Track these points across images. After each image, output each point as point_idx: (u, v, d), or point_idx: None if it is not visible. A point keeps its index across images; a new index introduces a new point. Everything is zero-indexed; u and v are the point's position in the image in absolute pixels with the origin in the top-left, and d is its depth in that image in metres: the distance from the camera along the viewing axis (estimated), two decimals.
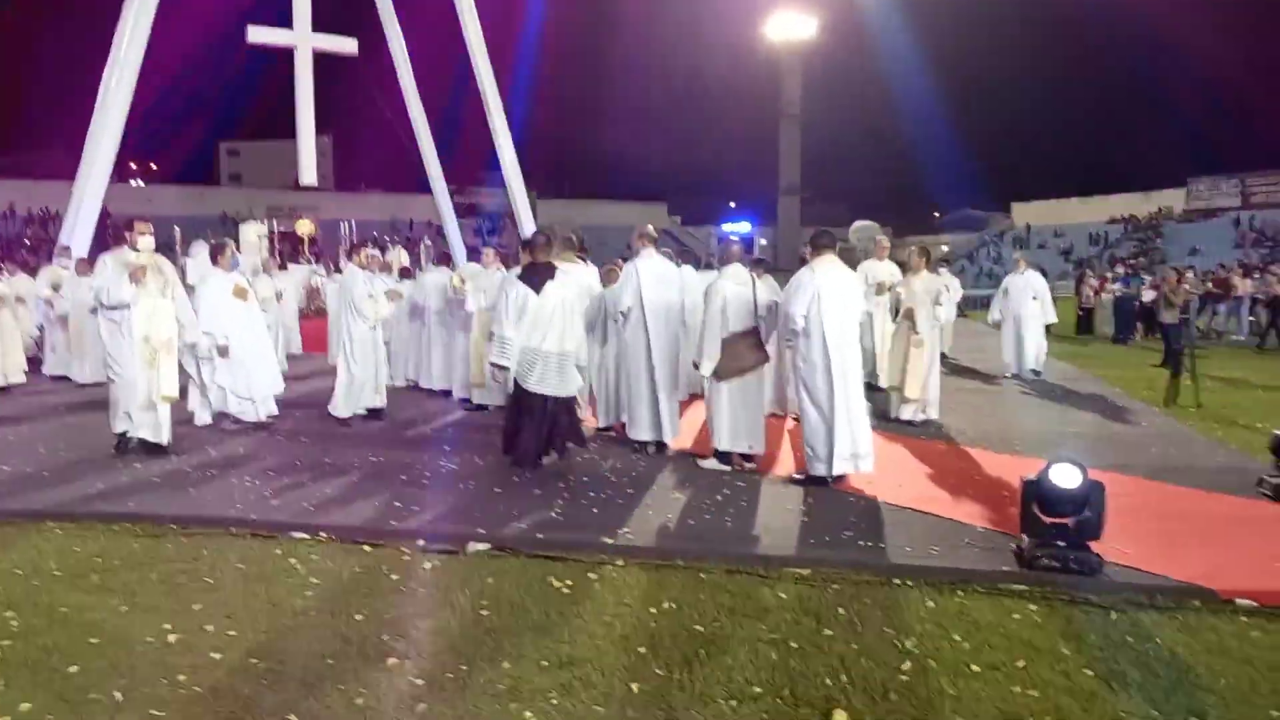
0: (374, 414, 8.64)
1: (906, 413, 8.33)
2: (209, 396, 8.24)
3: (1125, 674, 3.31)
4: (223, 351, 7.91)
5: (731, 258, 6.89)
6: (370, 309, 8.41)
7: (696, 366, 6.64)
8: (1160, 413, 8.92)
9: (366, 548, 4.85)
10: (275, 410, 8.48)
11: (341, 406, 8.45)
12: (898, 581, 4.28)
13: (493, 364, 6.77)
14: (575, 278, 8.28)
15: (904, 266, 9.60)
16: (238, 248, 11.53)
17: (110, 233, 19.62)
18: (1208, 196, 58.68)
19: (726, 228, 65.39)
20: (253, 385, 8.20)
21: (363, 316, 8.42)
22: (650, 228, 7.67)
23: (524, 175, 25.24)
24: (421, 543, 4.90)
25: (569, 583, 4.29)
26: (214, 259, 8.75)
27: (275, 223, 24.83)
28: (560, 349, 6.56)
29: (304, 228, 18.36)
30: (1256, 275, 20.28)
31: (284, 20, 22.61)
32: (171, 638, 3.67)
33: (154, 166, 59.60)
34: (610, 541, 4.84)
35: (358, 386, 8.50)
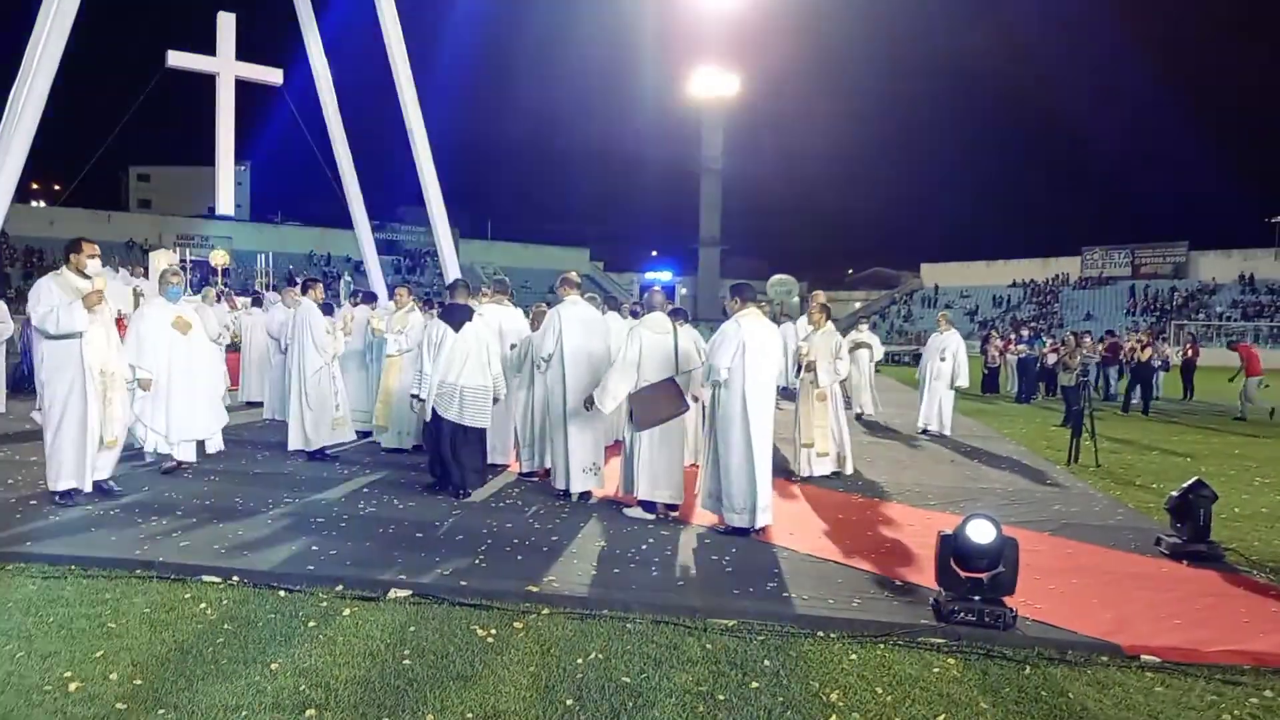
0: (319, 453, 8.62)
1: (821, 467, 8.42)
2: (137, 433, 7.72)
3: None
4: (144, 385, 7.35)
5: (654, 306, 6.95)
6: (331, 344, 8.50)
7: (588, 406, 6.66)
8: (1062, 471, 9.32)
9: (282, 592, 4.67)
10: (213, 448, 8.39)
11: (297, 440, 8.50)
12: (821, 634, 4.33)
13: (412, 395, 7.34)
14: (500, 319, 8.32)
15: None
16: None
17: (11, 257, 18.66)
18: (1101, 265, 62.12)
19: (649, 275, 66.19)
20: (173, 424, 7.62)
21: (322, 351, 8.45)
22: (574, 274, 7.71)
23: (448, 215, 25.07)
24: (340, 588, 4.75)
25: (493, 631, 4.22)
26: (303, 290, 9.08)
27: (187, 251, 24.06)
28: (475, 384, 7.11)
29: (219, 258, 17.84)
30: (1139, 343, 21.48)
31: (207, 46, 22.20)
32: (72, 686, 3.46)
33: (56, 188, 57.26)
34: (535, 590, 4.78)
35: (312, 423, 8.47)
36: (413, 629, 4.22)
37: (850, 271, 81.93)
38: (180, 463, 7.71)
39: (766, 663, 3.96)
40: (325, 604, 4.54)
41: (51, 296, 6.32)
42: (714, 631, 4.33)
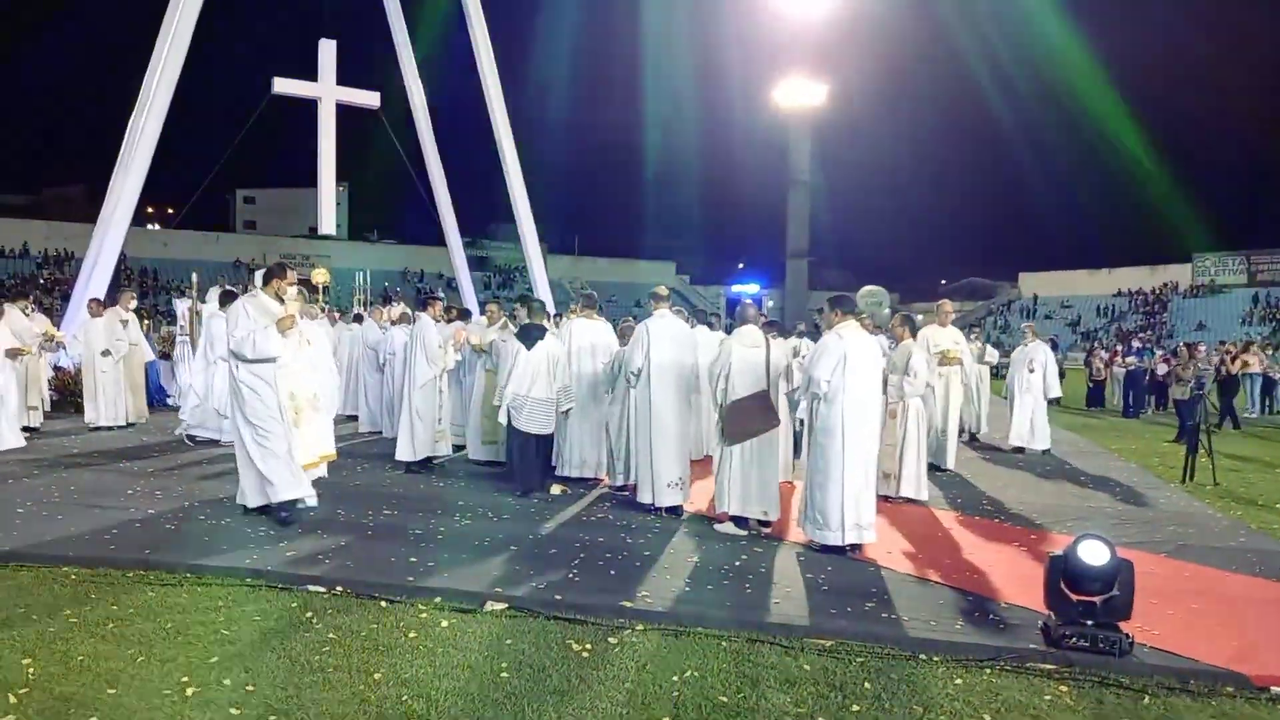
0: (425, 463, 8.91)
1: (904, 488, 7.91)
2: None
3: None
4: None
5: (746, 319, 6.90)
6: (441, 358, 8.78)
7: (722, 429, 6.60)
8: (1177, 489, 8.86)
9: (383, 603, 4.79)
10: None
11: (405, 451, 8.73)
12: (923, 656, 4.21)
13: (495, 406, 7.96)
14: (592, 335, 8.40)
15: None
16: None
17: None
18: (1213, 272, 59.05)
19: (735, 288, 65.87)
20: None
21: (434, 364, 8.71)
22: (663, 288, 7.70)
23: (538, 231, 25.48)
24: (439, 600, 4.84)
25: (588, 646, 4.23)
26: (422, 306, 9.24)
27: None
28: (543, 396, 7.69)
29: (320, 276, 18.49)
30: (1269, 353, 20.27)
31: (308, 72, 23.12)
32: (189, 690, 3.61)
33: (170, 210, 60.57)
34: (629, 605, 4.78)
35: (419, 435, 8.71)
36: (509, 642, 4.27)
37: (943, 282, 79.87)
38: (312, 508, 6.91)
39: (867, 685, 3.86)
40: (425, 615, 4.63)
41: (248, 320, 6.30)
42: (811, 652, 4.24)
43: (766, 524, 6.58)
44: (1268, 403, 19.14)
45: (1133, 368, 18.65)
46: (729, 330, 8.06)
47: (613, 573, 5.42)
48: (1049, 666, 4.09)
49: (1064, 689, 3.87)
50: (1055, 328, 52.10)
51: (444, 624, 4.51)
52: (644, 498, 7.09)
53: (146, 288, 45.75)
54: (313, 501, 6.81)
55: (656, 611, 4.73)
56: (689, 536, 6.40)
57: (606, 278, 63.29)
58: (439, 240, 27.64)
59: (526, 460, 7.78)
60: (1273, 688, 3.90)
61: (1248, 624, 4.68)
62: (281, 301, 6.57)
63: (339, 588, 5.02)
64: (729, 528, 6.56)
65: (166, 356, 15.05)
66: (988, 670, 4.05)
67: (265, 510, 6.51)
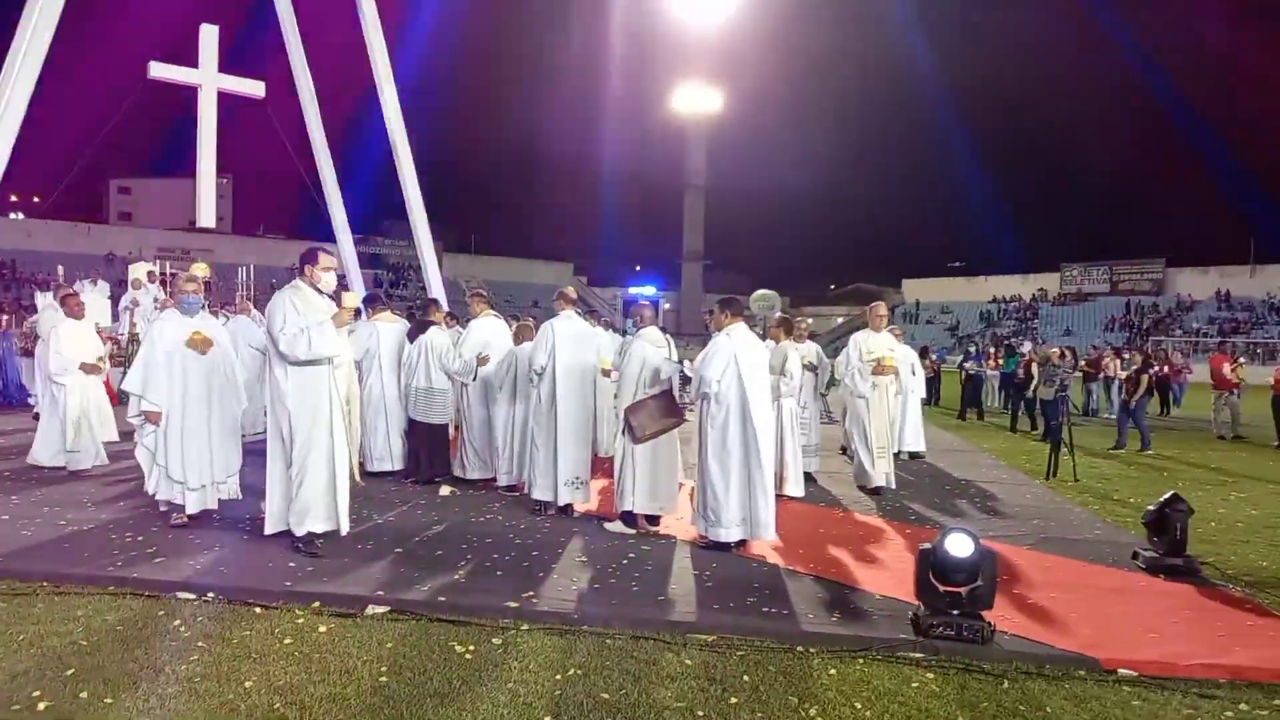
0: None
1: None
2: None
3: None
4: (152, 419, 6.24)
5: (647, 320, 7.00)
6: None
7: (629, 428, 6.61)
8: (1041, 486, 9.38)
9: (258, 609, 4.63)
10: (228, 493, 6.79)
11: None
12: (800, 648, 4.33)
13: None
14: (490, 334, 8.33)
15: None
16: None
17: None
18: (1080, 281, 62.73)
19: (632, 290, 66.31)
20: (190, 465, 6.32)
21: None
22: (571, 289, 7.72)
23: (432, 228, 25.02)
24: (317, 605, 4.71)
25: (472, 648, 4.19)
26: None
27: (167, 264, 23.88)
28: (427, 385, 8.22)
29: (199, 270, 17.65)
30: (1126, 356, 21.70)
31: (189, 58, 22.10)
32: (41, 705, 3.41)
33: (36, 199, 56.87)
34: (515, 606, 4.75)
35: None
36: (390, 646, 4.19)
37: (833, 287, 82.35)
38: (191, 517, 6.36)
39: (746, 678, 3.95)
40: (302, 621, 4.49)
41: (297, 316, 5.49)
42: (694, 647, 4.31)
43: (654, 521, 6.66)
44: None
45: (972, 372, 19.62)
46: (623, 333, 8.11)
47: (500, 574, 5.38)
48: (918, 655, 4.28)
49: (930, 676, 4.04)
50: (935, 333, 54.41)
51: (322, 629, 4.39)
52: (542, 495, 7.05)
53: (6, 280, 42.84)
54: (345, 529, 5.85)
55: (542, 611, 4.72)
56: (579, 536, 6.41)
57: (503, 277, 62.68)
58: (329, 236, 26.81)
59: (427, 451, 8.30)
60: (1120, 670, 4.17)
61: (1100, 611, 4.99)
62: (318, 291, 5.76)
63: (209, 594, 4.82)
64: (618, 526, 6.60)
65: (29, 354, 14.13)
66: (860, 660, 4.21)
67: (298, 542, 5.65)
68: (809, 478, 8.74)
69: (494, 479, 8.15)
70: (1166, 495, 5.92)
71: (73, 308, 8.83)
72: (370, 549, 5.85)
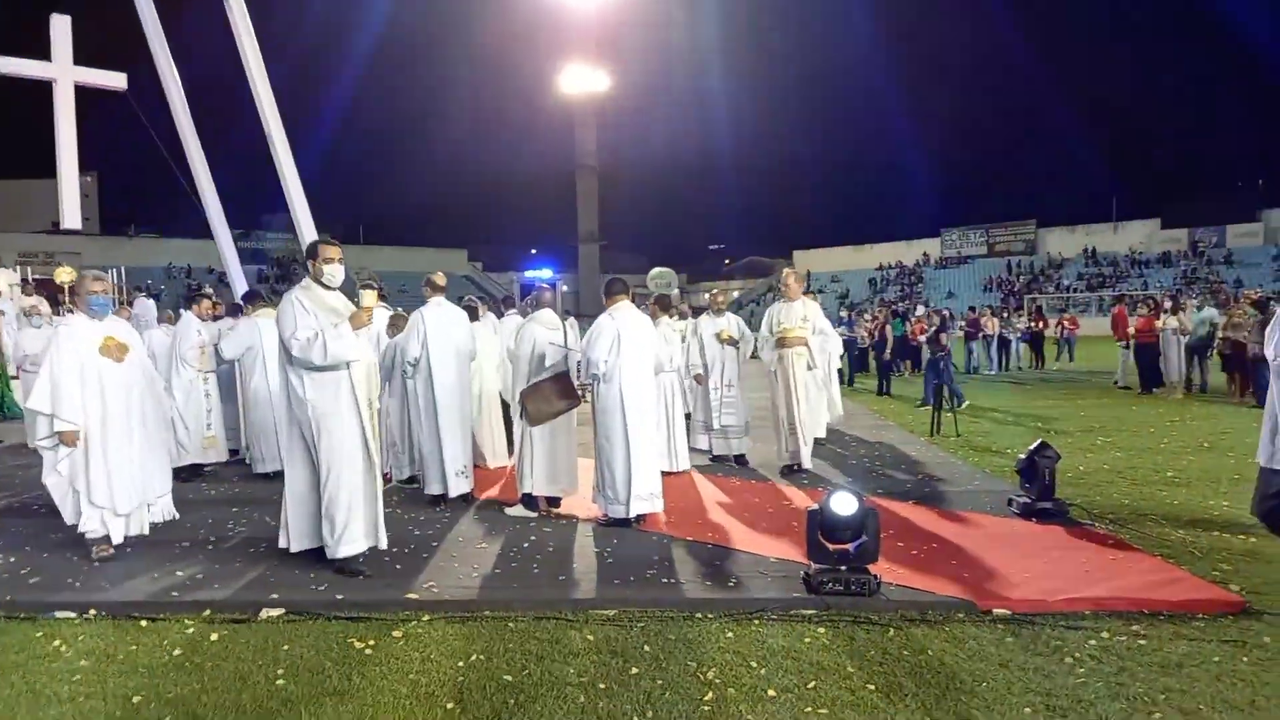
0: (194, 470, 8.36)
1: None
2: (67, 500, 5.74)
3: (902, 685, 3.62)
4: (67, 440, 5.53)
5: (543, 303, 7.01)
6: (198, 358, 8.36)
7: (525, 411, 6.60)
8: (925, 442, 9.81)
9: (144, 623, 4.47)
10: (161, 515, 6.19)
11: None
12: (699, 615, 4.45)
13: None
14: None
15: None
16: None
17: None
18: (959, 245, 65.40)
19: (528, 274, 65.79)
20: (117, 489, 5.65)
21: (189, 365, 8.29)
22: (439, 276, 7.53)
23: (316, 219, 24.23)
24: (208, 613, 4.58)
25: (371, 643, 4.15)
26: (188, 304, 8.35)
27: (29, 270, 22.47)
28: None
29: (63, 274, 16.65)
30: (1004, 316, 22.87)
31: (42, 50, 20.73)
32: None
33: None
34: (414, 597, 4.73)
35: (185, 439, 8.22)
36: (286, 648, 4.11)
37: (727, 261, 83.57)
38: (115, 547, 5.69)
39: (646, 648, 4.04)
40: (192, 630, 4.37)
41: (309, 318, 5.09)
42: (595, 622, 4.39)
43: (555, 503, 6.70)
44: (1003, 359, 21.53)
45: (845, 337, 20.34)
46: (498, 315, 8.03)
47: (399, 566, 5.33)
48: (810, 612, 4.46)
49: (822, 631, 4.22)
50: (827, 301, 55.85)
51: (214, 636, 4.28)
52: (433, 489, 7.01)
53: None
54: (384, 544, 5.43)
55: (443, 600, 4.71)
56: (478, 523, 6.40)
57: (395, 267, 61.21)
58: (205, 232, 25.67)
59: None
60: (996, 610, 4.45)
61: (977, 557, 5.29)
62: (325, 287, 5.33)
63: (91, 611, 4.63)
64: (519, 510, 6.62)
65: None
66: (756, 621, 4.36)
67: (342, 565, 5.18)
68: (741, 460, 8.64)
69: (388, 475, 8.04)
70: (1036, 444, 6.28)
71: None
72: (264, 551, 5.70)
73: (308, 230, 23.69)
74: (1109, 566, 5.05)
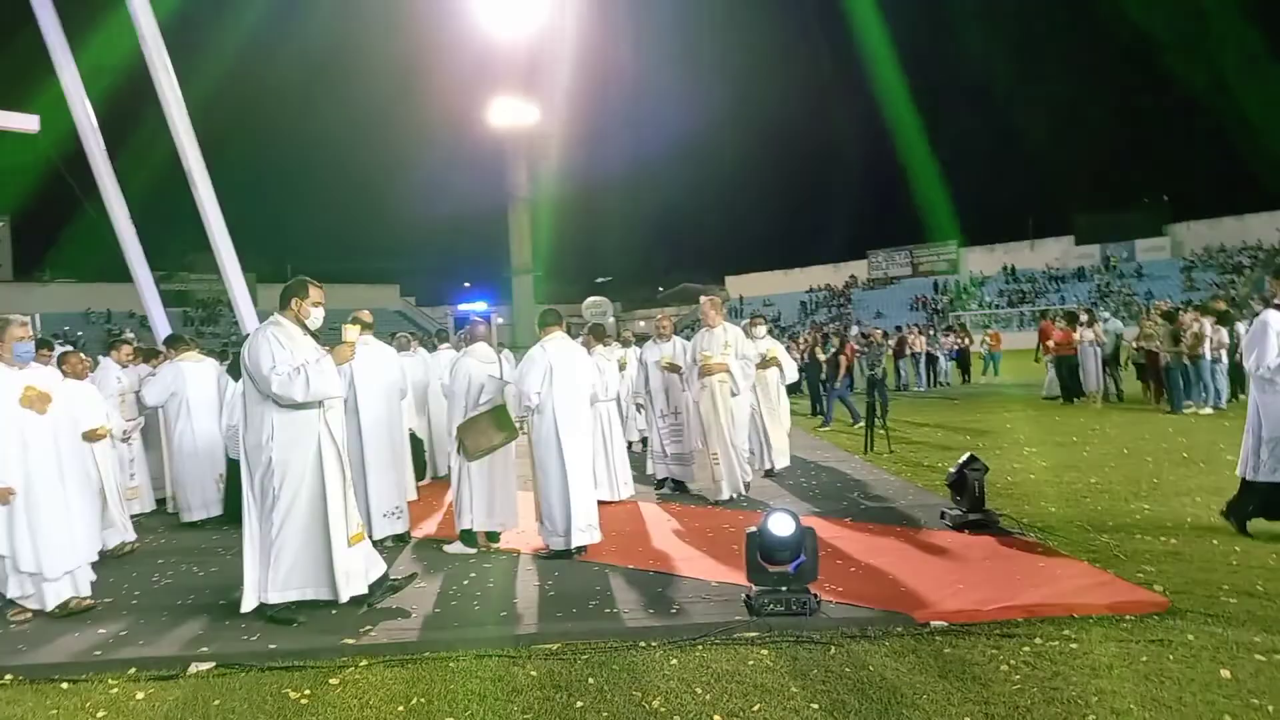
0: None
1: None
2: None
3: (845, 703, 3.65)
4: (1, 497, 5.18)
5: (477, 337, 6.96)
6: (117, 406, 8.07)
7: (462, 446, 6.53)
8: (860, 460, 9.97)
9: (65, 685, 4.27)
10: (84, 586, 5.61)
11: None
12: (643, 644, 4.43)
13: None
14: None
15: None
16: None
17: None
18: (885, 266, 67.03)
19: (462, 307, 65.22)
20: (44, 553, 5.28)
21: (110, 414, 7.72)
22: (365, 313, 7.38)
23: (242, 258, 23.70)
24: (133, 671, 4.40)
25: (307, 692, 4.03)
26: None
27: None
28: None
29: None
30: (930, 334, 23.45)
31: None
32: None
33: None
34: (350, 642, 4.61)
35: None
36: (217, 703, 3.97)
37: (660, 289, 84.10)
38: (35, 612, 5.35)
39: (591, 680, 4.01)
40: (116, 690, 4.18)
41: (286, 354, 4.89)
42: (539, 657, 4.33)
43: (495, 538, 6.63)
44: (931, 376, 22.05)
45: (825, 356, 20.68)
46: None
47: (334, 612, 5.18)
48: (752, 634, 4.47)
49: (765, 652, 4.24)
50: None
51: (139, 696, 4.11)
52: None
53: None
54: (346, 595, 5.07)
55: (381, 644, 4.60)
56: (416, 562, 6.29)
57: (329, 304, 60.16)
58: (126, 276, 24.91)
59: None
60: (933, 622, 4.52)
61: (913, 570, 5.38)
62: (304, 328, 5.19)
63: (7, 676, 4.41)
64: (458, 547, 6.52)
65: None
66: (700, 647, 4.36)
67: (270, 611, 4.98)
68: (680, 486, 8.58)
69: None
70: (964, 457, 6.44)
71: None
72: (191, 603, 5.51)
73: (232, 271, 23.11)
74: (1039, 574, 5.18)
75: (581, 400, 6.41)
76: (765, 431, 9.25)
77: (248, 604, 4.98)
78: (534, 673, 4.14)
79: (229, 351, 13.51)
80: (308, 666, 4.34)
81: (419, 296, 71.95)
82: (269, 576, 4.98)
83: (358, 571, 5.10)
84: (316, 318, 5.23)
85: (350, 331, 5.32)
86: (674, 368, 8.54)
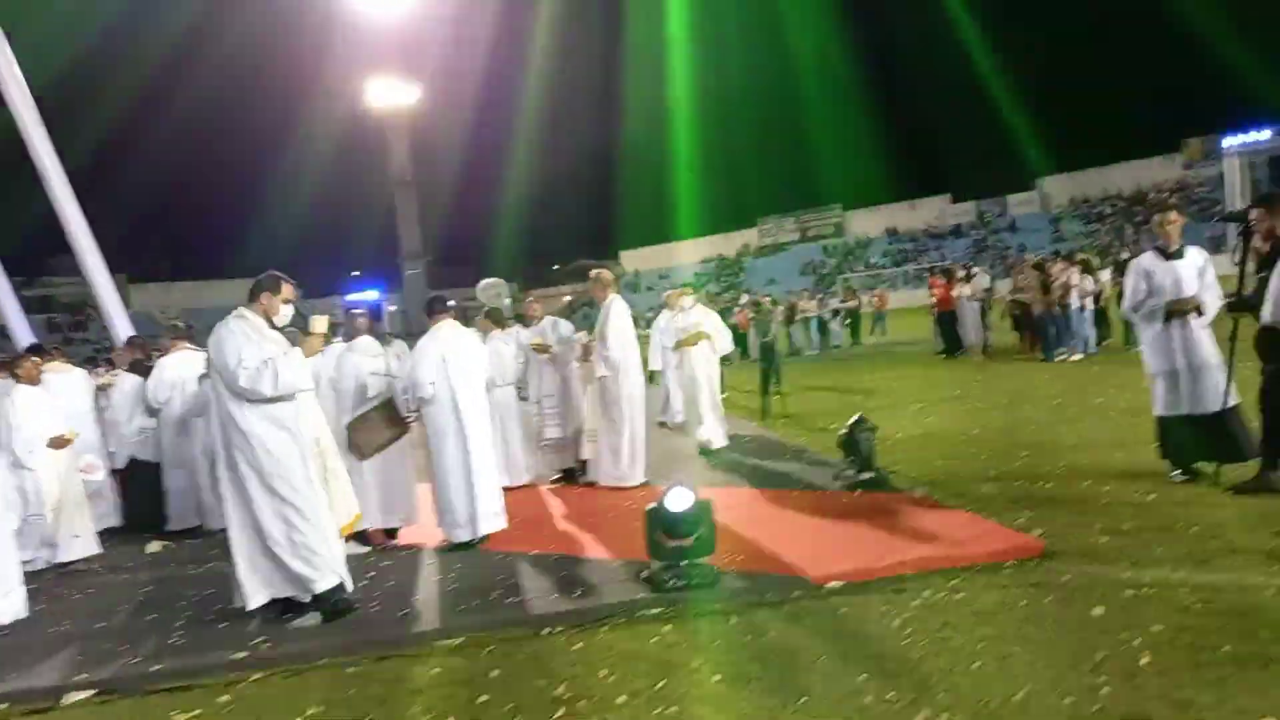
0: None
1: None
2: None
3: (746, 672, 3.70)
4: None
5: (358, 330, 6.72)
6: None
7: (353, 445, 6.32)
8: (757, 426, 10.15)
9: None
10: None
11: None
12: (546, 630, 4.40)
13: None
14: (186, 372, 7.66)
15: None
16: None
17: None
18: (774, 233, 68.28)
19: (351, 297, 63.36)
20: None
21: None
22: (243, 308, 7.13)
23: (109, 258, 22.35)
24: (5, 707, 4.12)
25: (196, 713, 3.86)
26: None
27: None
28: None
29: None
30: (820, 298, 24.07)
31: None
32: None
33: None
34: (241, 656, 4.43)
35: None
36: None
37: (555, 267, 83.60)
38: None
39: (495, 673, 3.96)
40: None
41: (254, 347, 4.74)
42: (441, 654, 4.26)
43: (392, 534, 6.48)
44: (824, 339, 22.64)
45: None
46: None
47: (224, 625, 4.98)
48: (656, 610, 4.49)
49: (668, 628, 4.27)
50: (655, 300, 57.00)
51: None
52: None
53: None
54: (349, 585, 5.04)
55: (274, 655, 4.43)
56: None
57: (206, 303, 57.68)
58: None
59: (140, 501, 7.85)
60: (828, 583, 4.64)
61: (809, 533, 5.52)
62: (272, 324, 5.00)
63: None
64: (353, 547, 6.31)
65: None
66: (604, 628, 4.35)
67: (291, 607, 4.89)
68: (570, 474, 8.27)
69: (200, 524, 7.55)
70: (854, 418, 6.62)
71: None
72: (66, 629, 5.20)
73: (97, 273, 21.89)
74: (927, 528, 5.36)
75: (477, 388, 6.29)
76: (700, 412, 8.87)
77: (254, 602, 4.83)
78: (436, 670, 4.07)
79: (99, 358, 12.75)
80: (195, 686, 4.15)
81: (305, 288, 69.56)
82: (250, 583, 4.81)
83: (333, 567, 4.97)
84: (285, 314, 5.06)
85: (319, 323, 5.16)
86: (542, 348, 8.31)
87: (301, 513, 4.77)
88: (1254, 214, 5.48)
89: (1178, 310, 5.78)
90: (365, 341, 6.62)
